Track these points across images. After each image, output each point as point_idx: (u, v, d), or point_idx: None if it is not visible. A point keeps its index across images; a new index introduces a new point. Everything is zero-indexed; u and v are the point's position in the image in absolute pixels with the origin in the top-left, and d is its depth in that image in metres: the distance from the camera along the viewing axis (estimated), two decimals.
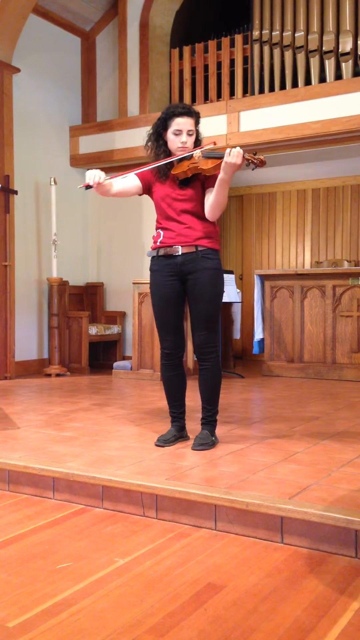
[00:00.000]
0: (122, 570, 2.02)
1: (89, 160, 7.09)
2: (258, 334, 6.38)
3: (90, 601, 1.81)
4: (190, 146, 3.10)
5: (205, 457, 2.99)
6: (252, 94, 6.49)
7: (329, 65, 6.09)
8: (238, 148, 2.90)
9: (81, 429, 3.70)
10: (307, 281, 6.10)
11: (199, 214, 3.12)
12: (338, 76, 6.10)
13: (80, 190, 7.30)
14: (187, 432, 3.39)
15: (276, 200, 8.35)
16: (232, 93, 6.70)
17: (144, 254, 6.97)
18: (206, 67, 6.89)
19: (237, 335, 6.88)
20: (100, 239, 7.48)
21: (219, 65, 6.83)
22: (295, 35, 6.32)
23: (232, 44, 6.73)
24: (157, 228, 3.21)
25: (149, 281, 3.29)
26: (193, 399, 3.97)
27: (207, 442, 3.15)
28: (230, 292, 6.06)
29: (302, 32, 6.27)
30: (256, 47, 6.49)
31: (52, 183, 6.53)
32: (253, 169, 3.04)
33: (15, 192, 6.28)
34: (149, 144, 3.19)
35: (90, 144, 7.12)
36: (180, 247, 3.11)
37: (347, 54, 6.01)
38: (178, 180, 3.11)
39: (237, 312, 6.80)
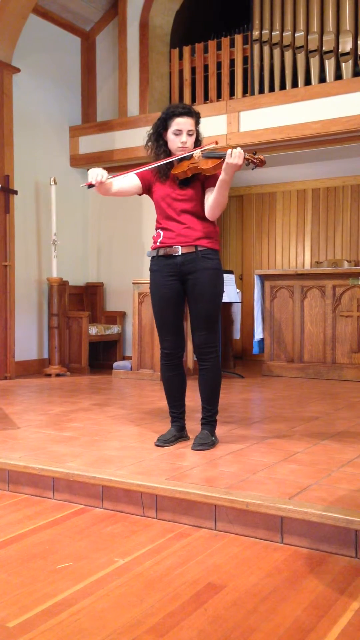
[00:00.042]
0: (122, 570, 2.02)
1: (89, 160, 7.09)
2: (258, 334, 6.38)
3: (90, 601, 1.81)
4: (191, 146, 3.10)
5: (205, 457, 2.99)
6: (252, 94, 6.49)
7: (329, 65, 6.09)
8: (239, 149, 2.90)
9: (81, 429, 3.70)
10: (307, 281, 6.10)
11: (199, 214, 3.12)
12: (338, 76, 6.10)
13: (80, 191, 7.31)
14: (187, 432, 3.39)
15: (276, 200, 8.35)
16: (232, 93, 6.70)
17: (144, 254, 6.97)
18: (206, 67, 6.89)
19: (237, 335, 6.88)
20: (100, 239, 7.48)
21: (219, 65, 6.83)
22: (295, 35, 6.32)
23: (232, 44, 6.73)
24: (157, 228, 3.21)
25: (149, 281, 3.28)
26: (193, 399, 3.97)
27: (207, 442, 3.15)
28: (230, 292, 6.06)
29: (302, 32, 6.27)
30: (256, 47, 6.49)
31: (52, 183, 6.54)
32: (253, 169, 3.04)
33: (15, 192, 6.28)
34: (149, 143, 3.19)
35: (90, 144, 7.12)
36: (180, 247, 3.11)
37: (347, 54, 6.01)
38: (178, 180, 3.11)
39: (237, 312, 6.80)
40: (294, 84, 6.33)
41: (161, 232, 3.16)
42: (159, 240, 3.17)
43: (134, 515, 2.54)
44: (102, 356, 7.37)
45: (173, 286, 3.17)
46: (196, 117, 3.12)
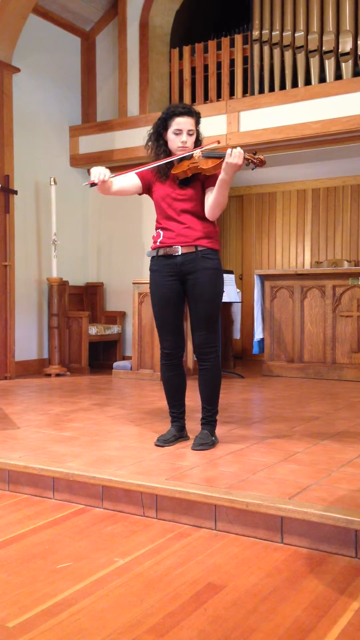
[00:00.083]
0: (122, 570, 2.02)
1: (89, 160, 7.09)
2: (258, 334, 6.38)
3: (90, 601, 1.81)
4: (191, 146, 3.10)
5: (205, 457, 2.99)
6: (252, 94, 6.49)
7: (329, 65, 6.09)
8: (239, 148, 2.90)
9: (81, 429, 3.70)
10: (307, 281, 6.10)
11: (199, 214, 3.12)
12: (338, 76, 6.10)
13: (80, 191, 7.32)
14: (187, 432, 3.39)
15: (276, 200, 8.35)
16: (232, 93, 6.70)
17: (144, 254, 6.97)
18: (206, 67, 6.89)
19: (237, 335, 6.88)
20: (100, 239, 7.48)
21: (218, 65, 6.83)
22: (295, 35, 6.32)
23: (232, 44, 6.73)
24: (157, 228, 3.21)
25: (148, 281, 3.28)
26: (193, 399, 3.97)
27: (207, 442, 3.15)
28: (230, 292, 6.06)
29: (302, 32, 6.27)
30: (256, 47, 6.49)
31: (52, 183, 6.54)
32: (253, 169, 3.04)
33: (15, 192, 6.28)
34: (149, 143, 3.19)
35: (90, 144, 7.12)
36: (180, 247, 3.11)
37: (347, 54, 6.01)
38: (178, 180, 3.11)
39: (237, 312, 6.80)
40: (294, 84, 6.33)
41: (161, 232, 3.16)
42: (159, 240, 3.17)
43: (134, 515, 2.54)
44: (102, 356, 7.37)
45: (173, 286, 3.17)
46: (196, 117, 3.12)
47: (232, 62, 6.74)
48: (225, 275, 4.98)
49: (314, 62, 6.19)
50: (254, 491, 2.42)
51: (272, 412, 4.28)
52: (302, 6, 6.30)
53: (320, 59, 6.19)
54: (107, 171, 3.01)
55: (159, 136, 3.15)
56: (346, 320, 5.94)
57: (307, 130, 5.93)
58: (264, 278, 6.37)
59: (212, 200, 3.06)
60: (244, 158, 2.92)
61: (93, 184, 3.00)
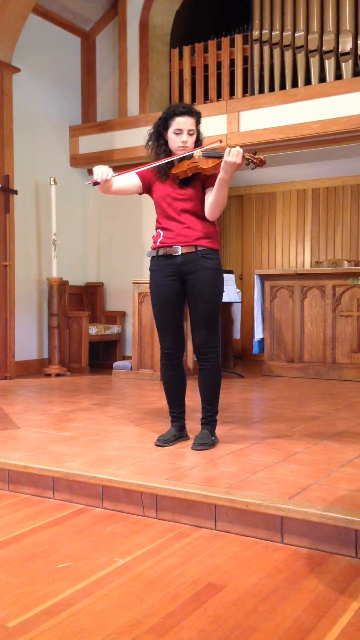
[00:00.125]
0: (122, 570, 2.02)
1: (89, 160, 7.09)
2: (258, 334, 6.38)
3: (90, 601, 1.81)
4: (191, 146, 3.10)
5: (205, 457, 2.99)
6: (252, 93, 6.49)
7: (329, 65, 6.09)
8: (238, 147, 2.90)
9: (81, 428, 3.70)
10: (307, 281, 6.10)
11: (199, 214, 3.12)
12: (338, 76, 6.10)
13: (80, 190, 7.32)
14: (187, 432, 3.39)
15: (276, 200, 8.35)
16: (232, 93, 6.70)
17: (144, 254, 6.97)
18: (206, 67, 6.89)
19: (237, 335, 6.88)
20: (100, 239, 7.48)
21: (219, 65, 6.83)
22: (295, 35, 6.32)
23: (232, 44, 6.73)
24: (157, 228, 3.21)
25: (149, 281, 3.28)
26: (193, 399, 3.97)
27: (207, 442, 3.15)
28: (230, 292, 6.06)
29: (302, 32, 6.27)
30: (256, 47, 6.49)
31: (52, 183, 6.54)
32: (253, 169, 3.04)
33: (15, 192, 6.28)
34: (150, 143, 3.19)
35: (90, 143, 7.12)
36: (179, 247, 3.10)
37: (347, 53, 6.01)
38: (178, 180, 3.11)
39: (237, 312, 6.80)
40: (294, 84, 6.33)
41: (161, 232, 3.16)
42: (158, 240, 3.17)
43: (134, 515, 2.54)
44: (102, 356, 7.37)
45: (173, 286, 3.17)
46: (197, 116, 3.12)
47: (232, 62, 6.74)
48: (225, 275, 4.98)
49: (314, 62, 6.19)
50: (254, 491, 2.42)
51: (272, 412, 4.28)
52: (302, 6, 6.30)
53: (320, 59, 6.19)
54: (110, 170, 3.01)
55: (159, 136, 3.15)
56: (346, 320, 5.94)
57: (307, 130, 5.93)
58: (264, 278, 6.37)
59: (211, 199, 3.06)
60: (244, 158, 2.92)
61: (96, 183, 3.00)
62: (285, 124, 6.03)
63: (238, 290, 6.48)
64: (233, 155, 2.88)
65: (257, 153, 3.01)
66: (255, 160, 2.96)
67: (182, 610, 1.75)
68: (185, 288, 3.17)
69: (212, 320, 3.15)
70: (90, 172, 7.23)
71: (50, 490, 2.79)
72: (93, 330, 6.84)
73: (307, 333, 6.12)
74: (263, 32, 6.47)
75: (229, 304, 6.63)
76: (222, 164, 2.92)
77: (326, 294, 6.01)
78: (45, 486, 2.80)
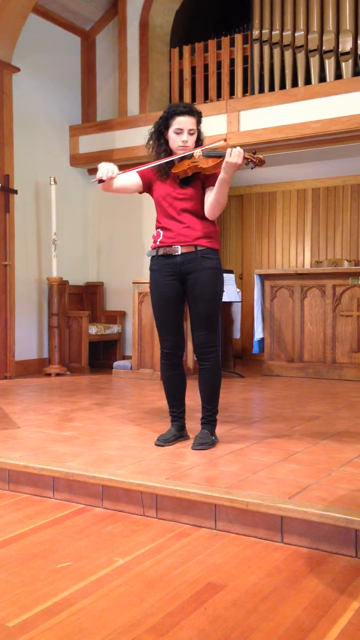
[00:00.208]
0: (122, 569, 2.02)
1: (89, 159, 7.09)
2: (258, 334, 6.38)
3: (90, 601, 1.81)
4: (192, 145, 3.10)
5: (205, 456, 2.99)
6: (252, 93, 6.49)
7: (329, 64, 6.09)
8: (239, 148, 2.90)
9: (81, 428, 3.70)
10: (307, 281, 6.10)
11: (199, 213, 3.12)
12: (338, 76, 6.10)
13: (80, 190, 7.32)
14: (187, 432, 3.39)
15: (276, 200, 8.35)
16: (232, 92, 6.69)
17: (144, 253, 6.97)
18: (206, 67, 6.89)
19: (237, 334, 6.88)
20: (100, 238, 7.48)
21: (219, 65, 6.83)
22: (295, 34, 6.32)
23: (232, 44, 6.73)
24: (157, 227, 3.21)
25: (148, 281, 3.28)
26: (193, 398, 3.97)
27: (207, 441, 3.15)
28: (230, 292, 6.06)
29: (302, 32, 6.27)
30: (256, 46, 6.49)
31: (52, 183, 6.54)
32: (252, 168, 3.04)
33: (15, 192, 6.28)
34: (150, 142, 3.19)
35: (90, 143, 7.12)
36: (179, 246, 3.10)
37: (347, 53, 6.00)
38: (179, 179, 3.11)
39: (237, 311, 6.80)
40: (294, 84, 6.33)
41: (161, 232, 3.17)
42: (158, 240, 3.17)
43: (134, 515, 2.54)
44: (102, 356, 7.37)
45: (173, 286, 3.17)
46: (198, 116, 3.12)
47: (232, 62, 6.74)
48: (225, 275, 4.98)
49: (314, 62, 6.18)
50: (254, 491, 2.42)
51: (272, 411, 4.28)
52: (302, 6, 6.29)
53: (320, 59, 6.19)
54: (115, 168, 3.00)
55: (160, 135, 3.15)
56: (346, 319, 5.94)
57: (307, 130, 5.93)
58: (264, 278, 6.37)
59: (211, 199, 3.06)
60: (244, 157, 2.92)
61: (101, 181, 2.99)
62: (285, 124, 6.03)
63: (238, 290, 6.48)
64: (234, 156, 2.89)
65: (256, 152, 3.02)
66: (254, 160, 2.97)
67: (182, 610, 1.75)
68: (185, 288, 3.17)
69: (212, 320, 3.15)
70: (91, 172, 7.27)
71: (50, 490, 2.79)
72: (93, 330, 6.84)
73: (307, 333, 6.12)
74: (263, 31, 6.47)
75: (229, 303, 6.63)
76: (223, 165, 2.92)
77: (326, 294, 6.01)
78: (45, 486, 2.80)
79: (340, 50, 6.06)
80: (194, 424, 3.54)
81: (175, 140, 3.09)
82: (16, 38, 6.11)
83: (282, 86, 6.40)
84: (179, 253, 3.11)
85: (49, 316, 6.60)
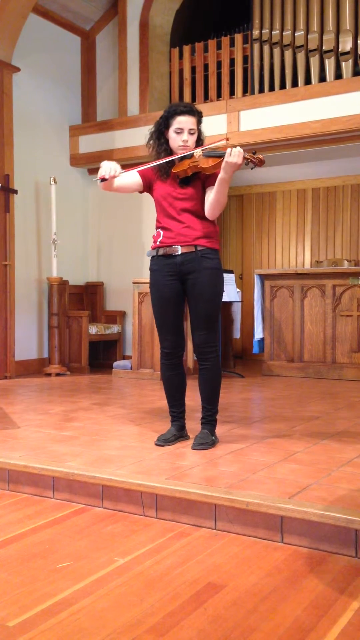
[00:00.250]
0: (122, 569, 2.02)
1: (89, 159, 7.09)
2: (258, 334, 6.38)
3: (90, 601, 1.81)
4: (192, 145, 3.10)
5: (205, 456, 2.99)
6: (252, 93, 6.49)
7: (329, 64, 6.09)
8: (239, 148, 2.90)
9: (81, 428, 3.70)
10: (307, 281, 6.10)
11: (199, 213, 3.12)
12: (338, 75, 6.10)
13: (80, 190, 7.32)
14: (187, 432, 3.39)
15: (276, 199, 8.35)
16: (232, 92, 6.69)
17: (144, 253, 6.97)
18: (206, 67, 6.89)
19: (237, 334, 6.88)
20: (100, 238, 7.48)
21: (219, 65, 6.83)
22: (295, 34, 6.32)
23: (232, 44, 6.73)
24: (157, 227, 3.21)
25: (149, 281, 3.28)
26: (193, 398, 3.97)
27: (207, 441, 3.15)
28: (230, 292, 6.06)
29: (302, 32, 6.27)
30: (256, 46, 6.49)
31: (52, 182, 6.53)
32: (252, 168, 3.04)
33: (15, 192, 6.28)
34: (151, 142, 3.19)
35: (90, 143, 7.12)
36: (179, 246, 3.10)
37: (347, 53, 6.00)
38: (179, 179, 3.11)
39: (237, 311, 6.80)
40: (294, 84, 6.33)
41: (161, 232, 3.17)
42: (158, 240, 3.17)
43: (134, 515, 2.54)
44: (102, 356, 7.37)
45: (173, 286, 3.17)
46: (198, 116, 3.12)
47: (232, 62, 6.74)
48: (225, 275, 4.98)
49: (314, 62, 6.18)
50: (254, 491, 2.42)
51: (272, 411, 4.28)
52: (302, 5, 6.29)
53: (320, 58, 6.19)
54: (118, 167, 3.00)
55: (160, 135, 3.15)
56: (346, 319, 5.94)
57: (307, 130, 5.93)
58: (264, 277, 6.37)
59: (211, 199, 3.06)
60: (244, 157, 2.92)
61: (103, 179, 2.99)
62: (285, 124, 6.03)
63: (238, 290, 6.48)
64: (234, 156, 2.89)
65: (256, 152, 3.02)
66: (254, 160, 2.97)
67: (182, 610, 1.75)
68: (185, 288, 3.17)
69: (212, 320, 3.15)
70: (91, 171, 7.27)
71: (51, 489, 2.79)
72: (93, 329, 6.84)
73: (307, 333, 6.12)
74: (263, 31, 6.47)
75: (229, 303, 6.63)
76: (223, 165, 2.92)
77: (326, 294, 6.01)
78: (46, 486, 2.80)
79: (340, 50, 6.06)
80: (194, 424, 3.54)
81: (175, 139, 3.09)
82: (16, 38, 6.11)
83: (282, 86, 6.40)
84: (179, 253, 3.11)
85: (49, 316, 6.61)
